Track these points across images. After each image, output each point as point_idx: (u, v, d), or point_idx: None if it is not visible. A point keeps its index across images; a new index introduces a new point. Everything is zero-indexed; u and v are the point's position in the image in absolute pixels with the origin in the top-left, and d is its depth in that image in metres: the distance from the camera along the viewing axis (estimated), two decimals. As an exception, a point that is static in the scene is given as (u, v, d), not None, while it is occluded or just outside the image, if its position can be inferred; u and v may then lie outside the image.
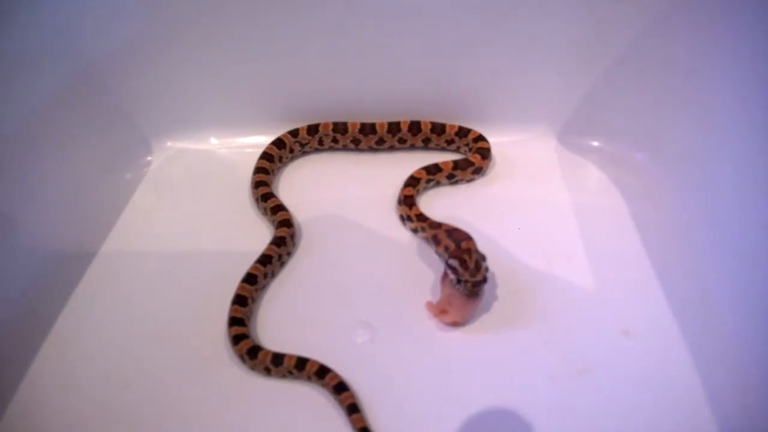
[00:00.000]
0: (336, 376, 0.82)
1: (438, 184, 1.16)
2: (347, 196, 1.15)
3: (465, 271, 0.86)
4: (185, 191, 1.17)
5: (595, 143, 1.21)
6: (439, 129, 1.21)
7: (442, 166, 1.15)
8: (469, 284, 0.85)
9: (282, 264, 1.01)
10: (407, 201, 1.08)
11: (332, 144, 1.23)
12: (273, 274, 0.99)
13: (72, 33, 1.06)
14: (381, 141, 1.22)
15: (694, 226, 0.99)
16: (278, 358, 0.84)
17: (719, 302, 0.89)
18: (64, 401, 0.83)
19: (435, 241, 0.97)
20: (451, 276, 0.88)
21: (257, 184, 1.12)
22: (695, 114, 1.04)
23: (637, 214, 1.07)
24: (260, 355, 0.84)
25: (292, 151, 1.22)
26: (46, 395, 0.83)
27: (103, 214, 1.10)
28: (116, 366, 0.87)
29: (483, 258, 0.89)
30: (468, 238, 0.93)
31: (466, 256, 0.88)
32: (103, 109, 1.15)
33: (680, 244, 0.99)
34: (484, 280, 0.87)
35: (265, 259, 0.97)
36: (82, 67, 1.09)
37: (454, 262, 0.88)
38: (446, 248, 0.93)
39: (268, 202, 1.09)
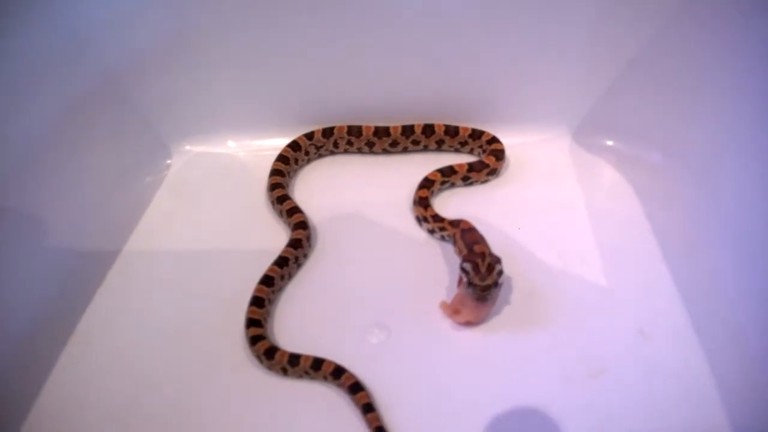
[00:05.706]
0: (351, 376, 0.83)
1: (453, 185, 1.17)
2: (362, 197, 1.15)
3: (476, 275, 0.87)
4: (203, 194, 1.19)
5: (610, 143, 1.20)
6: (452, 131, 1.21)
7: (456, 168, 1.15)
8: (478, 288, 0.86)
9: (298, 265, 1.02)
10: (422, 202, 1.08)
11: (347, 147, 1.24)
12: (290, 276, 1.00)
13: (94, 40, 1.08)
14: (395, 143, 1.22)
15: (710, 225, 0.98)
16: (295, 359, 0.85)
17: (735, 302, 0.88)
18: (87, 399, 0.84)
19: (454, 239, 0.99)
20: (464, 279, 0.89)
21: (273, 187, 1.14)
22: (710, 113, 1.03)
23: (652, 214, 1.07)
24: (277, 356, 0.86)
25: (307, 153, 1.23)
26: (69, 393, 0.85)
27: (124, 216, 1.12)
28: (135, 365, 0.89)
29: (497, 261, 0.89)
30: (477, 241, 0.93)
31: (479, 260, 0.88)
32: (125, 114, 1.17)
33: (696, 244, 0.98)
34: (495, 284, 0.87)
35: (281, 261, 0.98)
36: (104, 74, 1.11)
37: (467, 266, 0.88)
38: (459, 251, 0.93)
39: (284, 204, 1.10)
